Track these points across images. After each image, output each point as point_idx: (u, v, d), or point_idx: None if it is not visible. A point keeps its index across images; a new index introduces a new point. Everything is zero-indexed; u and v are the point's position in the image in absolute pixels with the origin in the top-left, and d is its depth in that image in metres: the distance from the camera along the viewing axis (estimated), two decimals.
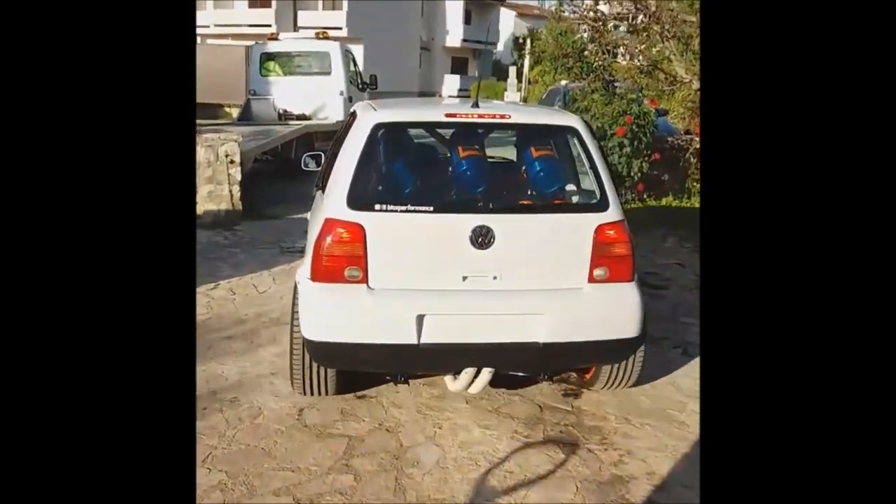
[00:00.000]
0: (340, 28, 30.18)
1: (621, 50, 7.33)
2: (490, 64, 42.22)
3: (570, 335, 3.15)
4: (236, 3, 34.45)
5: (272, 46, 12.44)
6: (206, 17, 31.89)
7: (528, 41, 23.34)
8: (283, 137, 9.90)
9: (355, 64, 13.45)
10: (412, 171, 3.52)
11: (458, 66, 40.34)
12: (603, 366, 3.54)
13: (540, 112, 4.52)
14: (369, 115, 3.33)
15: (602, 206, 3.22)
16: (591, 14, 7.23)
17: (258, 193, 8.71)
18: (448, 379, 3.44)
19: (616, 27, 7.19)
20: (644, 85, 7.49)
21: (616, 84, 7.39)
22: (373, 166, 3.35)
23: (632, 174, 7.52)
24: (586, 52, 7.46)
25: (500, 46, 43.75)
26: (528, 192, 3.58)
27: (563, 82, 16.37)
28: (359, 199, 3.10)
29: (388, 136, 3.43)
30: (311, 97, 11.83)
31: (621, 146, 7.45)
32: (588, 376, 3.74)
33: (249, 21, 31.67)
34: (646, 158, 7.58)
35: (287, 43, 12.63)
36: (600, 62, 7.28)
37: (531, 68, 22.31)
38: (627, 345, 3.30)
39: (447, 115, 3.49)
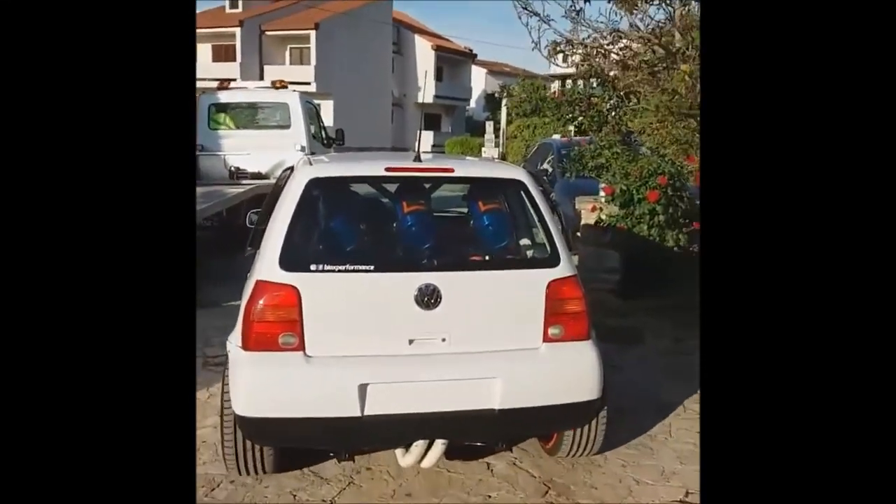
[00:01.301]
0: (309, 83, 29.19)
1: (638, 95, 5.88)
2: (463, 120, 41.79)
3: (527, 400, 2.98)
4: (200, 56, 33.42)
5: (223, 96, 10.89)
6: None
7: (505, 96, 22.45)
8: (227, 200, 8.34)
9: (319, 117, 12.03)
10: (353, 228, 3.36)
11: (431, 122, 39.62)
12: (565, 431, 3.35)
13: (485, 165, 4.32)
14: (304, 171, 3.16)
15: (553, 261, 3.09)
16: (602, 52, 5.83)
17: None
18: (398, 453, 3.17)
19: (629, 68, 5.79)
20: (672, 137, 5.90)
21: (634, 136, 5.91)
22: (309, 224, 3.19)
23: (665, 247, 6.03)
24: (594, 100, 6.04)
25: (472, 103, 43.48)
26: (477, 248, 3.38)
27: (556, 136, 15.20)
28: (293, 259, 2.91)
29: (325, 193, 3.26)
30: (267, 153, 10.33)
31: (653, 214, 5.97)
32: (550, 445, 3.53)
33: (213, 75, 30.38)
34: (682, 229, 6.07)
35: (240, 93, 11.09)
36: (614, 111, 5.84)
37: (508, 122, 21.26)
38: (588, 408, 3.13)
39: (388, 170, 3.31)
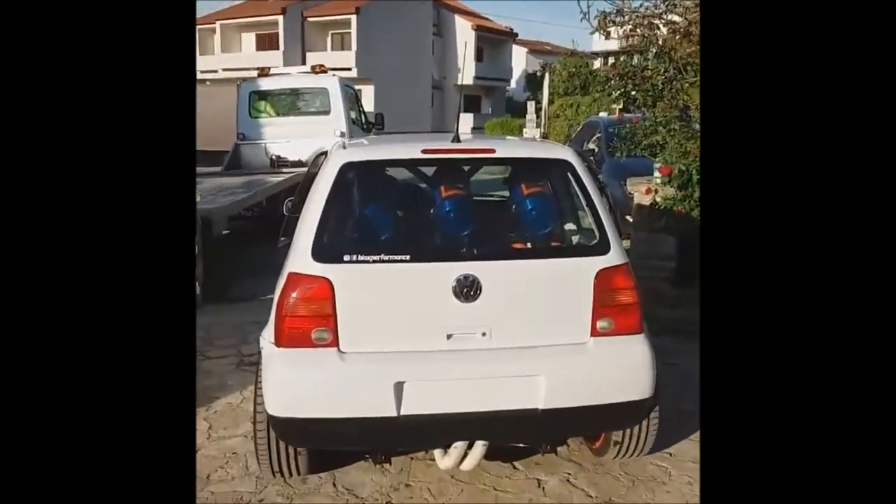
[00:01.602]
0: (350, 69, 29.05)
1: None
2: (503, 101, 41.22)
3: (574, 399, 2.79)
4: (244, 46, 33.57)
5: (263, 84, 10.83)
6: (214, 62, 31.05)
7: (547, 74, 21.92)
8: (267, 190, 8.25)
9: (359, 102, 11.89)
10: (388, 215, 3.19)
11: (471, 103, 39.18)
12: (613, 432, 3.14)
13: (528, 145, 4.07)
14: (338, 156, 3.01)
15: (602, 248, 2.87)
16: (658, 21, 5.45)
17: (230, 264, 6.92)
18: (437, 454, 2.99)
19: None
20: None
21: (692, 112, 5.54)
22: (343, 211, 3.03)
23: None
24: (648, 72, 5.66)
25: (512, 83, 42.85)
26: (520, 235, 3.19)
27: (603, 113, 14.70)
28: (326, 249, 2.77)
29: (359, 177, 3.08)
30: (307, 141, 10.21)
31: None
32: (597, 445, 3.33)
33: (257, 64, 30.48)
34: None
35: (280, 79, 10.99)
36: (670, 84, 5.46)
37: (550, 102, 20.77)
38: (640, 408, 2.92)
39: (424, 152, 3.08)
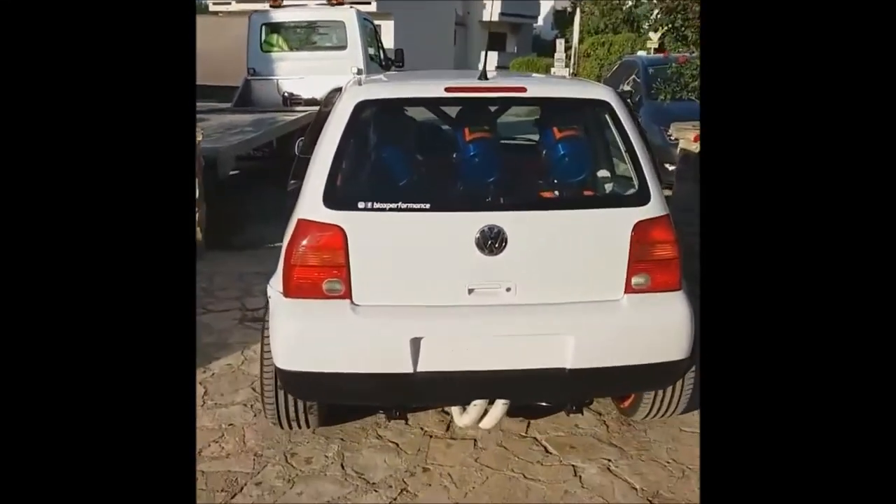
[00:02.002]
0: (369, 2, 27.85)
1: None
2: (530, 39, 39.85)
3: (604, 359, 2.58)
4: None
5: (276, 15, 10.12)
6: None
7: (578, 11, 20.78)
8: (278, 129, 7.68)
9: (378, 37, 11.15)
10: (407, 159, 2.96)
11: (496, 41, 37.86)
12: (644, 393, 2.95)
13: (563, 83, 3.88)
14: (352, 93, 2.75)
15: (642, 198, 2.63)
16: None
17: (237, 207, 6.50)
18: (455, 411, 2.87)
19: None
20: None
21: None
22: (357, 154, 2.82)
23: None
24: (698, 7, 4.95)
25: (539, 20, 41.33)
26: (550, 183, 2.95)
27: (641, 52, 13.86)
28: (339, 195, 2.57)
29: (376, 117, 2.90)
30: (322, 77, 9.55)
31: None
32: (626, 404, 3.15)
33: None
34: None
35: (294, 11, 10.26)
36: None
37: (580, 41, 19.72)
38: (675, 369, 2.68)
39: (448, 90, 2.82)
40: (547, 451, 2.97)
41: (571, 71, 19.09)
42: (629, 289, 2.62)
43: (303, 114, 8.68)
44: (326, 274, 2.55)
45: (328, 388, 2.64)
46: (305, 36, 10.28)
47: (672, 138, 7.07)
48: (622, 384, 2.84)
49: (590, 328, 2.60)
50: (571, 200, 2.86)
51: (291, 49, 10.10)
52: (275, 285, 2.70)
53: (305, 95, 9.62)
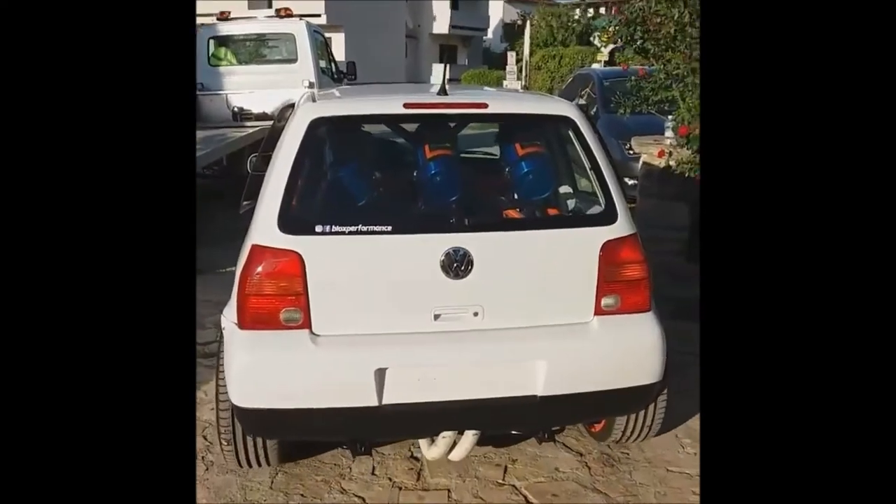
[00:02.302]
0: (319, 15, 27.36)
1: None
2: (480, 51, 40.08)
3: (576, 385, 2.51)
4: None
5: (223, 28, 9.83)
6: None
7: (528, 24, 20.92)
8: (228, 146, 7.41)
9: (329, 50, 10.96)
10: (366, 179, 2.88)
11: (448, 54, 37.95)
12: (616, 417, 2.89)
13: (525, 99, 3.68)
14: (306, 109, 2.63)
15: (609, 217, 2.58)
16: None
17: None
18: (423, 444, 2.75)
19: None
20: None
21: None
22: (313, 174, 2.70)
23: None
24: (658, 18, 4.90)
25: (489, 33, 41.64)
26: (514, 202, 2.87)
27: (596, 65, 13.94)
28: (294, 218, 2.44)
29: (331, 135, 2.80)
30: (273, 92, 9.33)
31: None
32: (598, 429, 3.08)
33: (219, 8, 28.91)
34: None
35: (242, 24, 9.98)
36: (686, 30, 4.69)
37: (532, 53, 19.85)
38: (646, 392, 2.64)
39: (407, 106, 2.69)
40: (527, 500, 2.78)
41: (524, 83, 19.18)
42: (599, 310, 2.55)
43: (254, 129, 8.43)
44: (283, 303, 2.40)
45: (288, 424, 2.49)
46: (255, 49, 10.01)
47: (631, 152, 7.08)
48: (594, 410, 2.75)
49: (561, 353, 2.51)
50: (538, 220, 2.78)
51: (240, 63, 9.82)
52: (229, 316, 2.53)
53: (256, 110, 9.36)
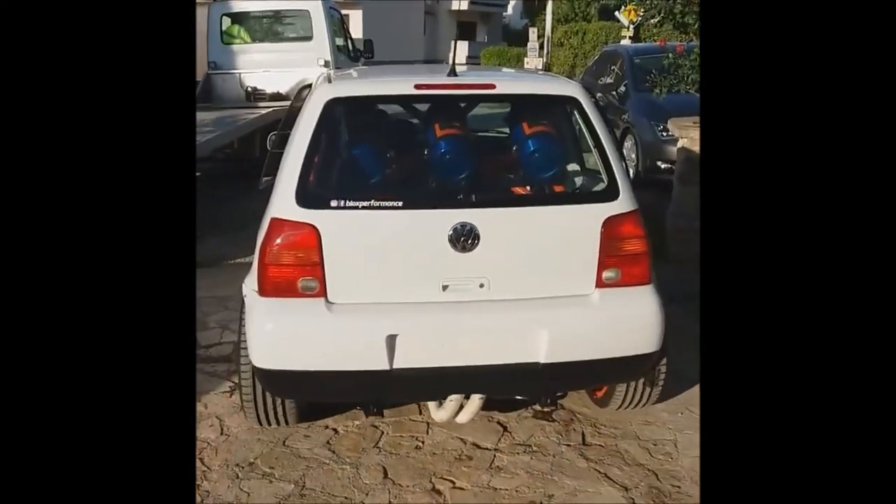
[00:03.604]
0: None
1: None
2: (500, 28, 39.34)
3: (577, 353, 2.64)
4: None
5: (236, 5, 9.49)
6: None
7: None
8: (239, 128, 7.10)
9: (345, 27, 10.59)
10: (379, 156, 2.96)
11: (466, 31, 37.28)
12: (617, 384, 2.98)
13: (531, 79, 3.73)
14: (323, 90, 2.76)
15: (611, 194, 2.68)
16: None
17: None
18: (432, 406, 2.89)
19: None
20: None
21: None
22: (329, 152, 2.86)
23: None
24: None
25: (509, 9, 40.83)
26: (521, 179, 2.95)
27: (626, 41, 13.38)
28: (311, 194, 2.60)
29: (346, 115, 3.00)
30: (287, 71, 9.01)
31: None
32: (599, 395, 3.15)
33: None
34: None
35: (255, 1, 9.65)
36: None
37: (554, 29, 19.28)
38: (645, 361, 2.74)
39: (417, 87, 2.82)
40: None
41: (545, 61, 18.63)
42: (600, 283, 2.65)
43: (267, 110, 8.13)
44: (301, 272, 2.55)
45: (305, 385, 2.65)
46: (269, 26, 9.68)
47: (665, 134, 6.67)
48: (594, 377, 2.87)
49: (562, 322, 2.62)
50: (542, 197, 2.86)
51: (254, 41, 9.51)
52: (250, 284, 2.70)
53: (270, 90, 9.08)
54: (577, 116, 2.85)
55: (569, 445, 2.90)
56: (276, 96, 8.97)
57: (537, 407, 3.13)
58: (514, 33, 36.40)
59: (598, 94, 9.04)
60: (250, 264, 2.71)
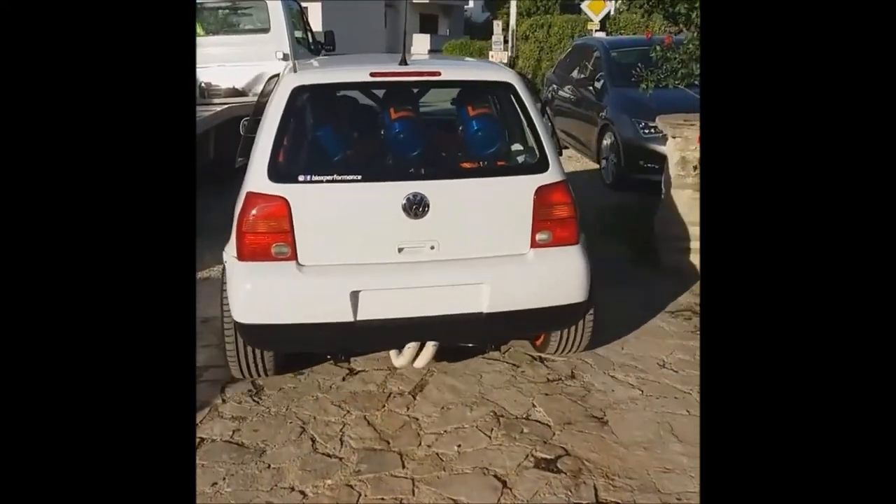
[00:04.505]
0: None
1: None
2: (462, 21, 38.93)
3: (514, 303, 3.03)
4: None
5: None
6: None
7: None
8: None
9: (304, 20, 10.05)
10: (340, 136, 3.36)
11: (428, 23, 36.75)
12: (552, 332, 3.41)
13: (473, 67, 4.17)
14: (289, 79, 3.12)
15: (541, 166, 3.09)
16: None
17: None
18: (392, 354, 3.27)
19: None
20: None
21: None
22: (296, 133, 3.21)
23: None
24: None
25: (470, 2, 40.43)
26: (466, 155, 3.38)
27: (600, 33, 13.00)
28: (281, 170, 2.95)
29: (311, 100, 3.33)
30: (243, 65, 8.45)
31: None
32: (538, 342, 3.60)
33: None
34: None
35: None
36: None
37: (518, 22, 18.87)
38: (575, 310, 3.18)
39: (372, 75, 3.27)
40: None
41: (511, 55, 18.23)
42: (534, 244, 3.03)
43: (222, 107, 7.57)
44: (274, 239, 2.87)
45: (281, 337, 2.98)
46: (224, 18, 9.08)
47: (647, 132, 6.33)
48: (532, 325, 3.26)
49: (501, 277, 2.99)
50: (483, 170, 3.23)
51: (208, 33, 8.87)
52: (229, 251, 3.04)
53: (225, 85, 8.46)
54: (514, 100, 3.21)
55: None
56: (232, 92, 8.39)
57: (538, 454, 2.75)
58: (477, 27, 36.06)
59: (569, 87, 8.70)
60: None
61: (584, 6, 16.55)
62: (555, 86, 9.32)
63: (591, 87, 7.77)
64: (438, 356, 3.20)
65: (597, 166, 7.53)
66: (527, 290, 3.00)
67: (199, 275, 4.58)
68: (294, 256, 2.86)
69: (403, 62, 3.14)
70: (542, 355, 3.53)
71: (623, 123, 6.68)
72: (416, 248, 2.93)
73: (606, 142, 7.08)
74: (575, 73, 8.76)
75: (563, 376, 3.38)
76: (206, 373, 3.37)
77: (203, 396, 3.13)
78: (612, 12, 15.56)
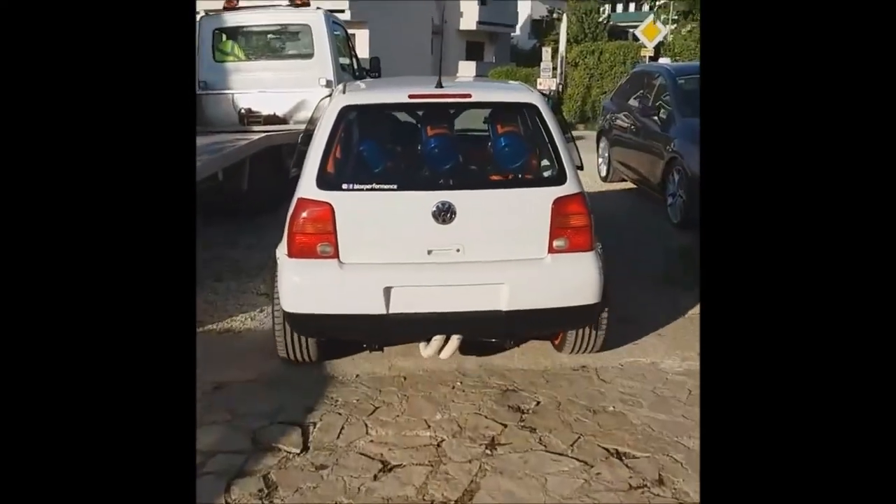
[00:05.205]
0: (343, 11, 26.41)
1: None
2: (508, 48, 38.73)
3: (531, 302, 3.34)
4: None
5: (230, 18, 8.60)
6: None
7: (565, 17, 19.46)
8: (225, 157, 6.13)
9: (351, 45, 9.71)
10: (381, 150, 3.75)
11: (474, 50, 36.64)
12: (569, 331, 3.69)
13: (501, 89, 4.67)
14: (338, 98, 3.61)
15: (559, 179, 3.43)
16: None
17: None
18: (421, 346, 3.61)
19: None
20: None
21: None
22: (343, 147, 3.64)
23: None
24: None
25: (517, 30, 40.26)
26: (494, 168, 3.80)
27: (665, 59, 12.46)
28: (327, 179, 3.38)
29: (357, 118, 3.73)
30: (285, 91, 8.11)
31: None
32: (556, 342, 3.89)
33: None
34: None
35: (251, 14, 8.72)
36: None
37: (568, 49, 18.37)
38: (588, 311, 3.46)
39: (410, 97, 3.74)
40: None
41: (559, 82, 17.71)
42: (551, 249, 3.38)
43: (261, 135, 7.20)
44: (319, 239, 3.31)
45: (323, 325, 3.43)
46: (265, 42, 8.83)
47: None
48: (546, 323, 3.55)
49: (520, 279, 3.34)
50: (506, 181, 3.61)
51: (249, 58, 8.62)
52: (281, 250, 3.44)
53: (266, 112, 8.15)
54: (537, 119, 3.59)
55: None
56: (273, 119, 8.06)
57: None
58: (523, 54, 35.80)
59: (628, 116, 8.11)
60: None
61: (637, 32, 16.02)
62: (611, 114, 8.76)
63: (655, 117, 7.18)
64: (463, 350, 3.56)
65: (659, 201, 6.92)
66: (543, 290, 3.35)
67: (219, 325, 4.13)
68: (336, 255, 3.30)
69: (439, 85, 3.58)
70: (619, 448, 2.95)
71: (694, 157, 6.07)
72: (443, 250, 3.33)
73: (675, 177, 6.46)
74: (634, 102, 8.19)
75: (648, 481, 2.74)
76: (211, 461, 2.82)
77: (204, 496, 2.52)
78: (667, 37, 14.99)
